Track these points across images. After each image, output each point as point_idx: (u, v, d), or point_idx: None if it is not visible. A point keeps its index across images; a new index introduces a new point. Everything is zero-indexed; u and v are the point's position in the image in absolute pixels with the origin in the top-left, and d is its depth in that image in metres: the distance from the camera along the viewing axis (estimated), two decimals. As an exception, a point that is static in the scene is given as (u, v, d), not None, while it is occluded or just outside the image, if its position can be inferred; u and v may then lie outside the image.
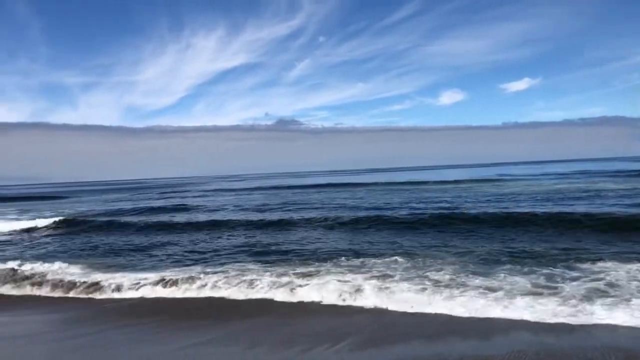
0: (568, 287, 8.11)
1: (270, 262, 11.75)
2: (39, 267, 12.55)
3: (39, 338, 7.28)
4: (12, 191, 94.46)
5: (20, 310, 9.10)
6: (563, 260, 10.15)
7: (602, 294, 7.66)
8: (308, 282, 9.55)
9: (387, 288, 8.80)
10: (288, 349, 6.26)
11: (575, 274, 9.07)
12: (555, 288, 8.12)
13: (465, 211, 18.12)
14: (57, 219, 22.61)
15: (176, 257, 13.48)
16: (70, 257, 14.22)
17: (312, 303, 8.44)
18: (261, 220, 19.39)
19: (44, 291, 10.50)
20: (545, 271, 9.30)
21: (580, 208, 17.51)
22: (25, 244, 17.37)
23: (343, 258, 11.76)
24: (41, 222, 22.00)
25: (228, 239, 16.07)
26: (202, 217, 22.51)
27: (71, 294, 10.09)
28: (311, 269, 10.82)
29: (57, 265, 12.66)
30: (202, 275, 10.52)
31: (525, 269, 9.56)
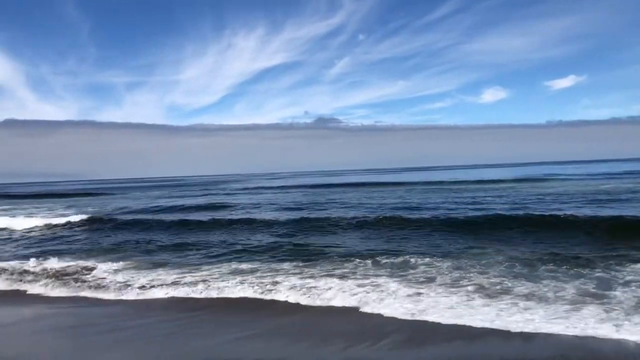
0: (620, 295, 7.79)
1: (304, 262, 11.80)
2: (78, 263, 13.01)
3: (89, 330, 7.53)
4: (59, 187, 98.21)
5: (67, 304, 9.41)
6: (615, 264, 9.76)
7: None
8: (340, 284, 9.54)
9: (421, 293, 8.68)
10: (328, 345, 6.36)
11: (629, 277, 8.73)
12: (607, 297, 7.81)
13: (509, 212, 17.63)
14: (89, 216, 23.37)
15: (211, 255, 13.69)
16: (108, 253, 14.68)
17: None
18: (298, 218, 19.29)
19: (83, 286, 10.83)
20: (596, 275, 8.98)
21: (630, 210, 16.79)
22: (64, 239, 17.98)
23: (381, 258, 11.65)
24: (76, 218, 22.70)
25: (263, 237, 16.12)
26: (239, 215, 22.61)
27: (106, 291, 10.37)
28: (344, 269, 10.82)
29: (91, 262, 13.12)
30: (237, 277, 10.69)
31: (573, 274, 9.24)
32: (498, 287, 8.71)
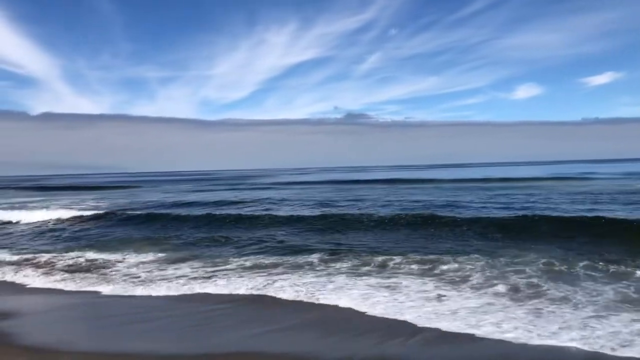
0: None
1: (330, 258, 11.77)
2: (107, 255, 13.28)
3: (117, 320, 7.70)
4: (92, 179, 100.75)
5: (96, 295, 9.61)
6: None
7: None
8: (366, 282, 9.47)
9: (445, 296, 8.53)
10: (361, 339, 6.42)
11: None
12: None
13: (543, 213, 17.17)
14: (119, 209, 23.73)
15: (238, 250, 13.84)
16: (136, 246, 15.04)
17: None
18: (326, 214, 19.09)
19: (111, 278, 11.03)
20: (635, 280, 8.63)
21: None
22: (92, 231, 18.36)
23: (409, 257, 11.50)
24: (105, 210, 23.19)
25: (289, 233, 16.14)
26: (266, 210, 22.56)
27: (133, 284, 10.53)
28: (370, 267, 10.74)
29: (119, 254, 13.39)
30: (263, 272, 10.74)
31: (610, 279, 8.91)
32: (530, 290, 8.47)
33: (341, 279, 9.81)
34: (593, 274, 9.37)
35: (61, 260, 13.36)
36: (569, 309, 7.29)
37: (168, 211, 23.28)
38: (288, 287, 9.41)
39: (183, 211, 23.00)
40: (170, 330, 7.19)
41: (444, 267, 10.42)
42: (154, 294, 9.45)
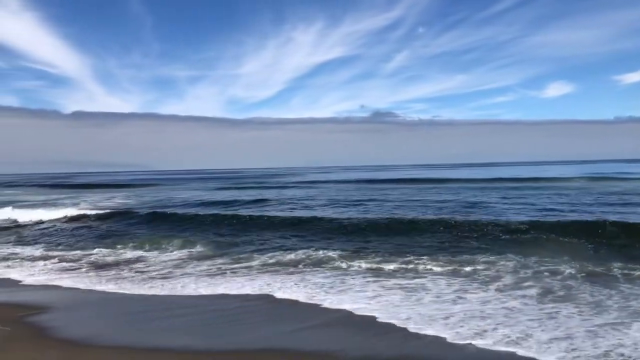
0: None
1: (356, 258, 11.74)
2: (134, 252, 13.57)
3: (147, 316, 7.90)
4: (122, 177, 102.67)
5: (126, 292, 9.84)
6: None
7: None
8: (386, 284, 9.45)
9: (463, 298, 8.44)
10: (386, 339, 6.46)
11: None
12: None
13: (577, 217, 16.68)
14: (147, 210, 24.04)
15: (263, 249, 13.95)
16: (163, 244, 15.22)
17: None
18: (353, 216, 18.82)
19: (138, 275, 11.26)
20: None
21: None
22: (118, 229, 18.71)
23: (434, 258, 11.41)
24: (132, 209, 23.46)
25: (311, 232, 16.05)
26: (297, 212, 22.48)
27: (161, 281, 10.73)
28: (391, 266, 10.69)
29: (145, 252, 13.68)
30: (290, 273, 10.83)
31: None
32: (561, 294, 8.33)
33: (364, 280, 9.85)
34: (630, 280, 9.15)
35: (89, 256, 13.73)
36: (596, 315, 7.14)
37: (192, 210, 23.55)
38: (312, 286, 9.49)
39: (209, 210, 23.26)
40: (197, 326, 7.32)
41: (467, 275, 10.33)
42: (181, 291, 9.62)
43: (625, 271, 9.64)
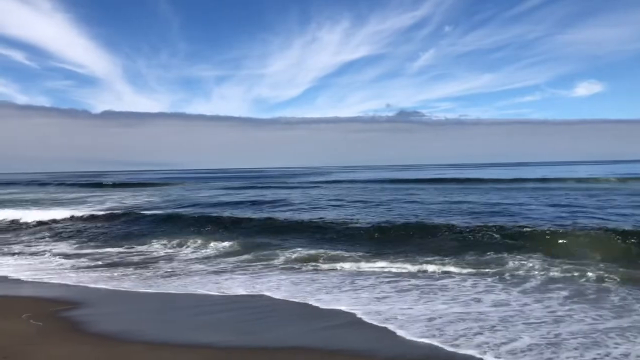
0: None
1: (379, 260, 11.65)
2: (159, 251, 13.81)
3: (175, 313, 8.02)
4: (148, 176, 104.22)
5: (156, 289, 10.02)
6: None
7: None
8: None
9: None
10: (412, 340, 6.32)
11: None
12: None
13: (615, 223, 16.09)
14: (167, 211, 24.26)
15: (290, 252, 13.96)
16: (190, 242, 15.34)
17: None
18: (377, 220, 18.03)
19: (163, 273, 11.43)
20: None
21: None
22: (139, 227, 19.00)
23: (465, 261, 11.26)
24: (153, 211, 23.72)
25: (346, 240, 15.68)
26: (319, 212, 22.22)
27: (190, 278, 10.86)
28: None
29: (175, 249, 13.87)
30: (312, 274, 10.82)
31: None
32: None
33: (386, 282, 9.85)
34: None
35: (119, 254, 14.04)
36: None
37: (216, 209, 23.77)
38: (336, 287, 9.52)
39: (234, 209, 23.54)
40: (225, 323, 7.43)
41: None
42: (208, 289, 9.75)
43: None
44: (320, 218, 18.71)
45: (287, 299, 8.77)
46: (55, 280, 10.82)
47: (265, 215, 20.37)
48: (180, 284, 10.20)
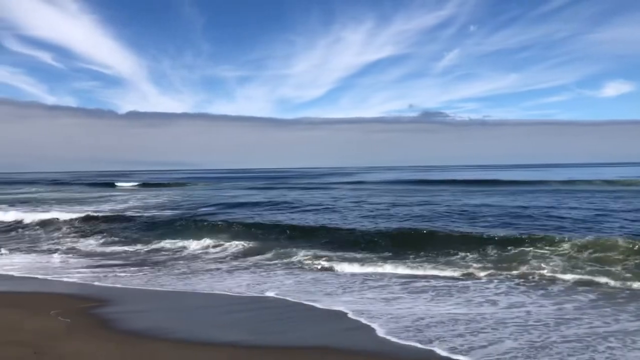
0: None
1: (402, 265, 11.67)
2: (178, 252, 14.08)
3: (206, 311, 8.18)
4: (173, 175, 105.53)
5: (181, 289, 10.23)
6: None
7: None
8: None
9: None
10: (435, 340, 6.33)
11: None
12: None
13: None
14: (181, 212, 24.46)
15: (309, 251, 14.03)
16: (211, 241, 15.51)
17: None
18: (396, 227, 17.63)
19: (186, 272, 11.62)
20: None
21: None
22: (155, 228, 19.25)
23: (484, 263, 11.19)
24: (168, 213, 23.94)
25: (367, 244, 15.72)
26: (335, 210, 22.30)
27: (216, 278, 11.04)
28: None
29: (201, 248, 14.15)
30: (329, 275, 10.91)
31: None
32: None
33: (405, 285, 9.88)
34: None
35: (144, 253, 14.36)
36: None
37: (239, 210, 23.92)
38: (356, 291, 9.59)
39: (255, 210, 23.70)
40: (246, 323, 7.57)
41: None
42: (229, 289, 9.91)
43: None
44: (344, 221, 18.51)
45: (306, 301, 8.81)
46: (82, 277, 11.12)
47: (285, 216, 20.49)
48: (205, 284, 10.37)
